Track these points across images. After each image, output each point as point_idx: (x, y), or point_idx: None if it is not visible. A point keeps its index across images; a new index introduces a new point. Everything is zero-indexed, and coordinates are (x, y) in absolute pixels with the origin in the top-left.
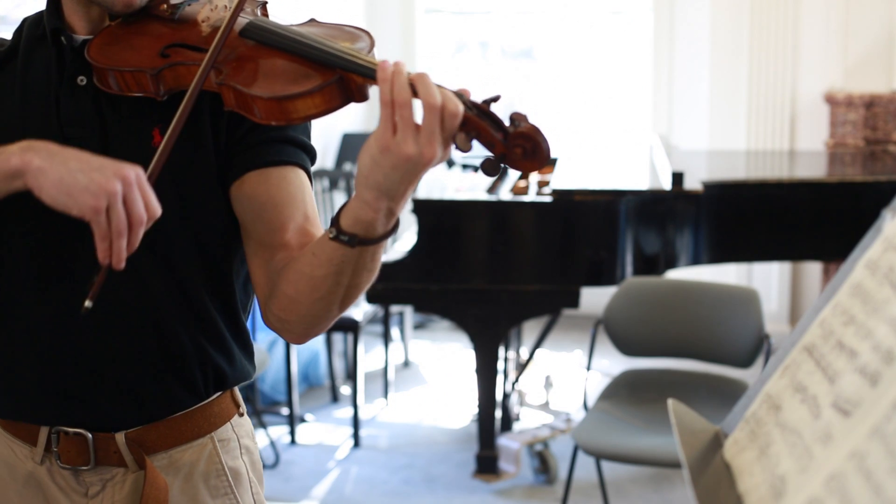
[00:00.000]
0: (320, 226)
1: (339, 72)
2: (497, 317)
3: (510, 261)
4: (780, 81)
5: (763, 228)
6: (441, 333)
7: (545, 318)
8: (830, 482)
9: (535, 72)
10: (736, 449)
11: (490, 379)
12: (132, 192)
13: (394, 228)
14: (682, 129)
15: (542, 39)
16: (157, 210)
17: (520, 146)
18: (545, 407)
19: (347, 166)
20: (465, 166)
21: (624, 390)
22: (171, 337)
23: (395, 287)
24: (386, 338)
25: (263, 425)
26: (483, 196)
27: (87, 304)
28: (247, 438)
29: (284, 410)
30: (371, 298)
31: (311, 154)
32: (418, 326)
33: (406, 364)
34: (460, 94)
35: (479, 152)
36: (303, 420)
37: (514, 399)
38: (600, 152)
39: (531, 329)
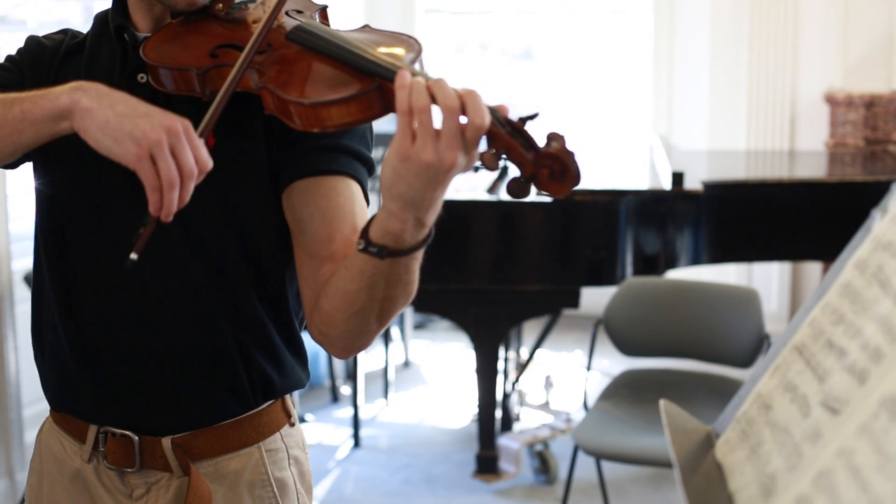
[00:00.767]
0: None
1: (378, 80)
2: (497, 317)
3: (510, 261)
4: (780, 81)
5: (763, 228)
6: (441, 333)
7: (545, 318)
8: (819, 480)
9: (535, 72)
10: (727, 448)
11: (490, 379)
12: (180, 143)
13: (425, 240)
14: (682, 128)
15: (542, 39)
16: (208, 163)
17: (548, 167)
18: (545, 407)
19: None
20: None
21: (624, 390)
22: (218, 343)
23: None
24: (386, 337)
25: None
26: (483, 196)
27: (133, 256)
28: (296, 449)
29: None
30: None
31: (367, 164)
32: (418, 326)
33: (406, 364)
34: (495, 110)
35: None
36: (303, 420)
37: (514, 399)
38: (600, 152)
39: (531, 329)
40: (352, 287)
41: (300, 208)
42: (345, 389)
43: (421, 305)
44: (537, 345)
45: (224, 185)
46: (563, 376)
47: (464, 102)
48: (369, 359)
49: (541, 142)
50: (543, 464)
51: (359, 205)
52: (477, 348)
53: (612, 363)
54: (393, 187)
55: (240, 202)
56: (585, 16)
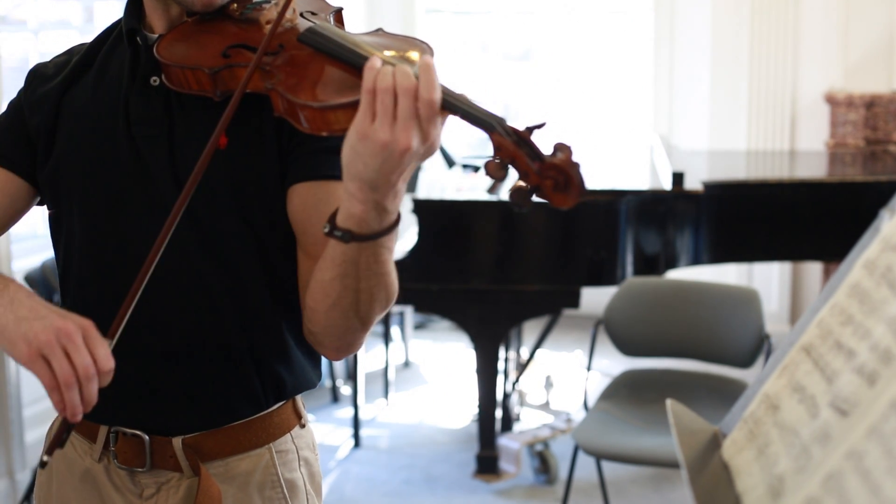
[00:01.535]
0: None
1: None
2: (497, 317)
3: (511, 261)
4: (780, 81)
5: (763, 228)
6: (441, 333)
7: (546, 318)
8: (828, 482)
9: (535, 71)
10: (734, 449)
11: (490, 379)
12: (72, 343)
13: (390, 228)
14: (683, 129)
15: (543, 39)
16: (108, 364)
17: (551, 178)
18: (545, 407)
19: None
20: (465, 166)
21: (624, 390)
22: (230, 344)
23: None
24: (386, 338)
25: None
26: (484, 196)
27: (45, 458)
28: (307, 450)
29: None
30: None
31: None
32: (419, 326)
33: (406, 364)
34: (500, 120)
35: (479, 153)
36: None
37: (514, 399)
38: (601, 152)
39: (531, 329)
40: (327, 276)
41: (301, 210)
42: (345, 389)
43: (421, 305)
44: (537, 345)
45: (236, 185)
46: (563, 376)
47: (418, 83)
48: (370, 359)
49: (547, 151)
50: (544, 464)
51: None
52: (477, 348)
53: (613, 363)
54: (350, 165)
55: (252, 202)
56: (586, 16)
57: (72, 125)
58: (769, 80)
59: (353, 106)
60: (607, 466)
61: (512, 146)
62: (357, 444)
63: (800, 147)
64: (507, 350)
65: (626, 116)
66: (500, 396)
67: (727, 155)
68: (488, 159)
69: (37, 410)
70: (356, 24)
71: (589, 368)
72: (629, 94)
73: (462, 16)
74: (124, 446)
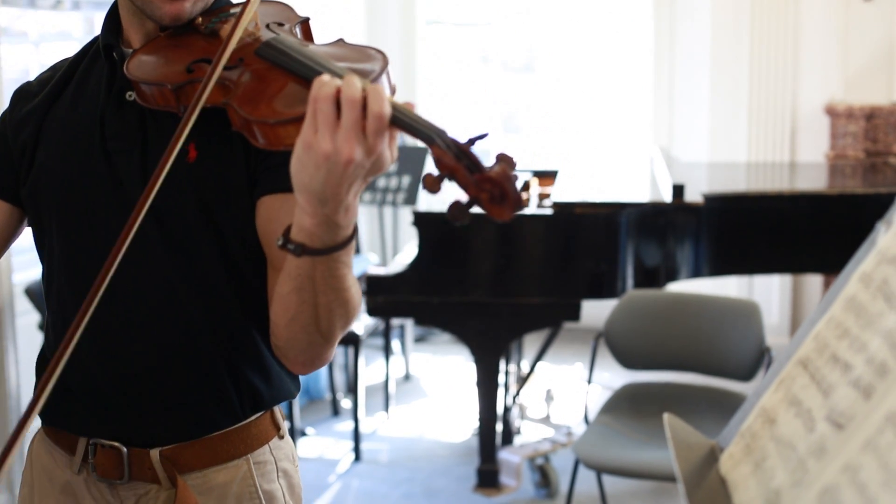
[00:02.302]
0: None
1: None
2: (498, 330)
3: (511, 274)
4: (780, 93)
5: (764, 241)
6: (442, 346)
7: (546, 331)
8: (824, 496)
9: (535, 83)
10: (731, 463)
11: (491, 392)
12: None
13: (344, 243)
14: (683, 141)
15: (543, 51)
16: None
17: (487, 191)
18: (546, 420)
19: None
20: None
21: (625, 404)
22: (204, 355)
23: (395, 300)
24: (387, 351)
25: None
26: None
27: None
28: (286, 461)
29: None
30: (372, 311)
31: None
32: (419, 339)
33: (407, 377)
34: (441, 132)
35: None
36: (303, 434)
37: (514, 412)
38: (601, 164)
39: (532, 342)
40: (285, 290)
41: (266, 223)
42: (345, 403)
43: (421, 318)
44: (538, 358)
45: (205, 197)
46: (563, 389)
47: (366, 95)
48: (370, 372)
49: (490, 163)
50: (544, 477)
51: None
52: (477, 361)
53: (613, 376)
54: (297, 177)
55: (222, 214)
56: (586, 28)
57: (52, 140)
58: (769, 91)
59: (303, 119)
60: (608, 480)
61: (451, 159)
62: (357, 457)
63: (800, 159)
64: (507, 363)
65: (627, 128)
66: (500, 410)
67: (727, 167)
68: (426, 173)
69: (38, 423)
70: (357, 37)
71: (589, 381)
72: (629, 106)
73: (463, 27)
74: (103, 458)
